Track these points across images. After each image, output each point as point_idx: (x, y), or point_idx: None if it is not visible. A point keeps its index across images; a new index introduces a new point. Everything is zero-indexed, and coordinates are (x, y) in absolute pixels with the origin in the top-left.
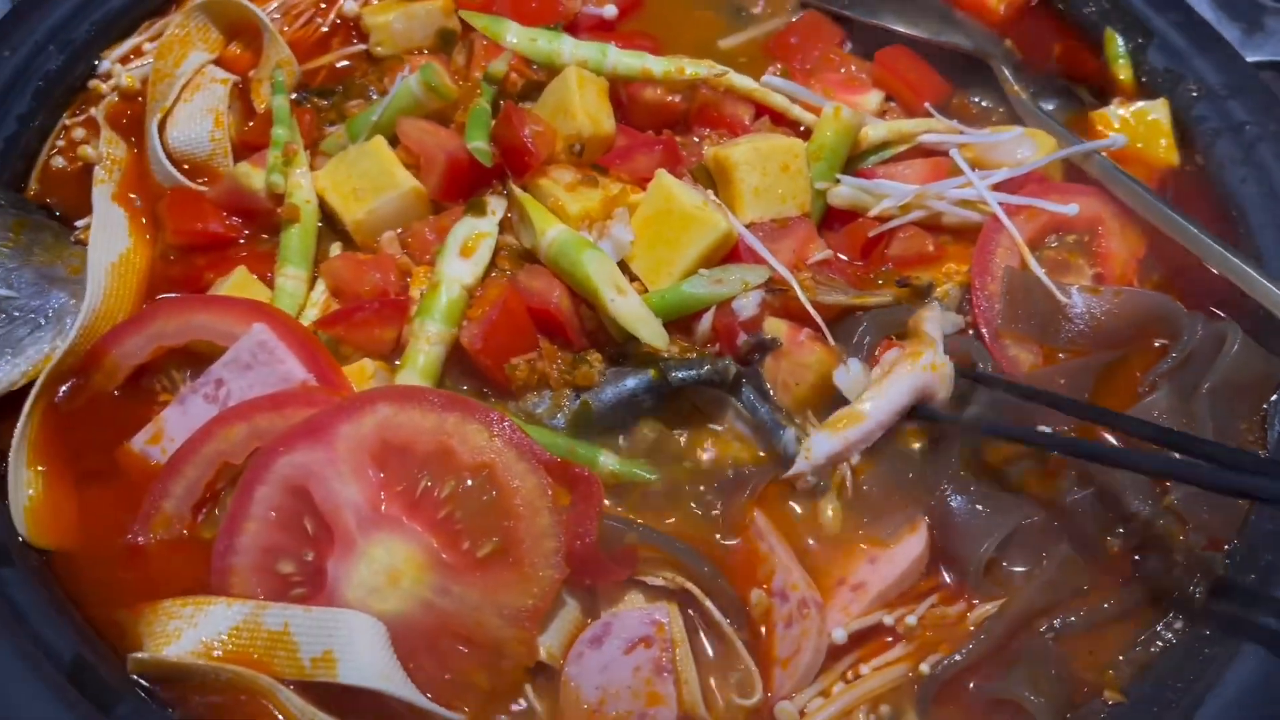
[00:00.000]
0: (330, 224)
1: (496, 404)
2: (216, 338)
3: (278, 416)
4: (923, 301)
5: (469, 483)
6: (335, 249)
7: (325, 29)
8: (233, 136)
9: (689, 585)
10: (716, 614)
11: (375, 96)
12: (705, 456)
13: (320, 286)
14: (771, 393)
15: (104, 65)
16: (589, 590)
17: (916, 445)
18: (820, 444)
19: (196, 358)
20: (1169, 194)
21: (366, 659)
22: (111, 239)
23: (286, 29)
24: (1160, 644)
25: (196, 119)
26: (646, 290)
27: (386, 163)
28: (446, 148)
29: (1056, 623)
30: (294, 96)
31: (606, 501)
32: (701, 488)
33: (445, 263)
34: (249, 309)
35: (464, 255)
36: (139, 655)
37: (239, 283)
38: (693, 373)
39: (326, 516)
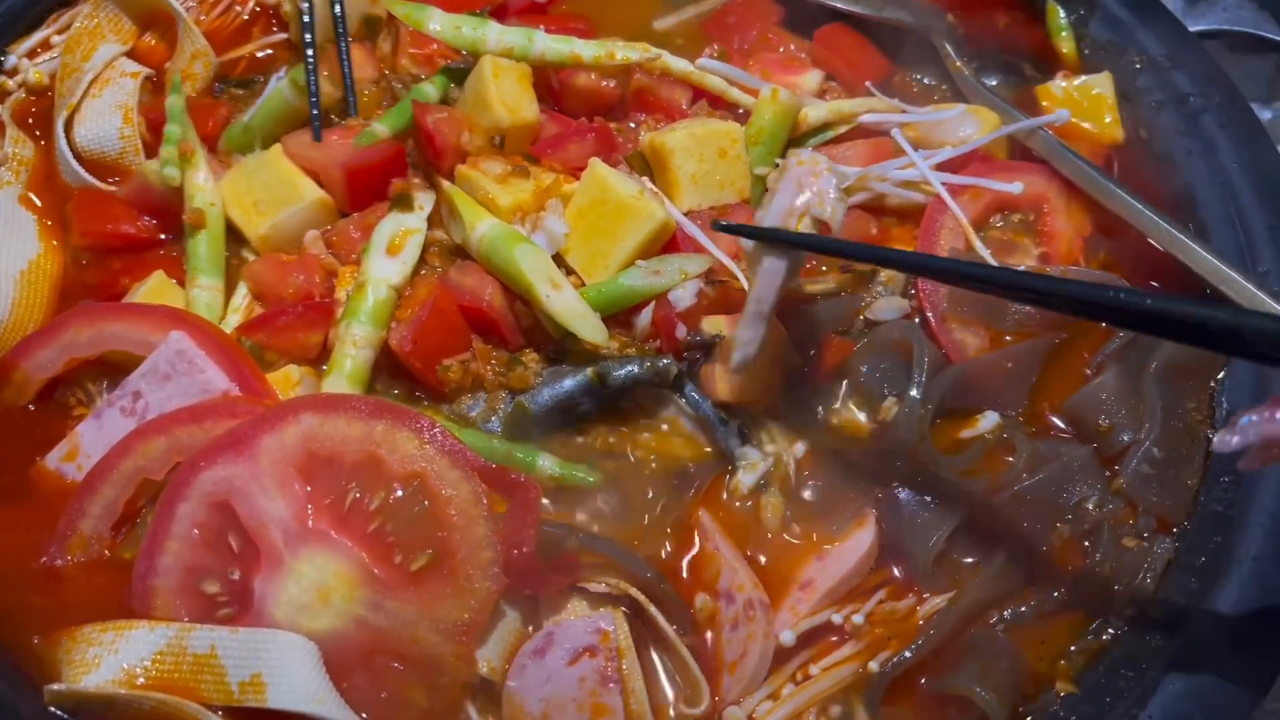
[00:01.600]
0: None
1: (429, 408)
2: (132, 347)
3: (198, 429)
4: (866, 288)
5: (399, 493)
6: (249, 253)
7: (245, 17)
8: (143, 133)
9: (633, 591)
10: (661, 620)
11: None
12: (649, 455)
13: (242, 290)
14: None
15: (10, 60)
16: (530, 600)
17: (863, 436)
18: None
19: (113, 369)
20: (1114, 169)
21: (297, 681)
22: (20, 245)
23: (204, 18)
24: (1112, 631)
25: (105, 116)
26: (584, 284)
27: (287, 174)
28: (338, 159)
29: (1007, 614)
30: (216, 88)
31: (548, 505)
32: (646, 488)
33: (371, 262)
34: (165, 316)
35: (390, 253)
36: (56, 687)
37: (155, 288)
38: (632, 373)
39: (252, 533)
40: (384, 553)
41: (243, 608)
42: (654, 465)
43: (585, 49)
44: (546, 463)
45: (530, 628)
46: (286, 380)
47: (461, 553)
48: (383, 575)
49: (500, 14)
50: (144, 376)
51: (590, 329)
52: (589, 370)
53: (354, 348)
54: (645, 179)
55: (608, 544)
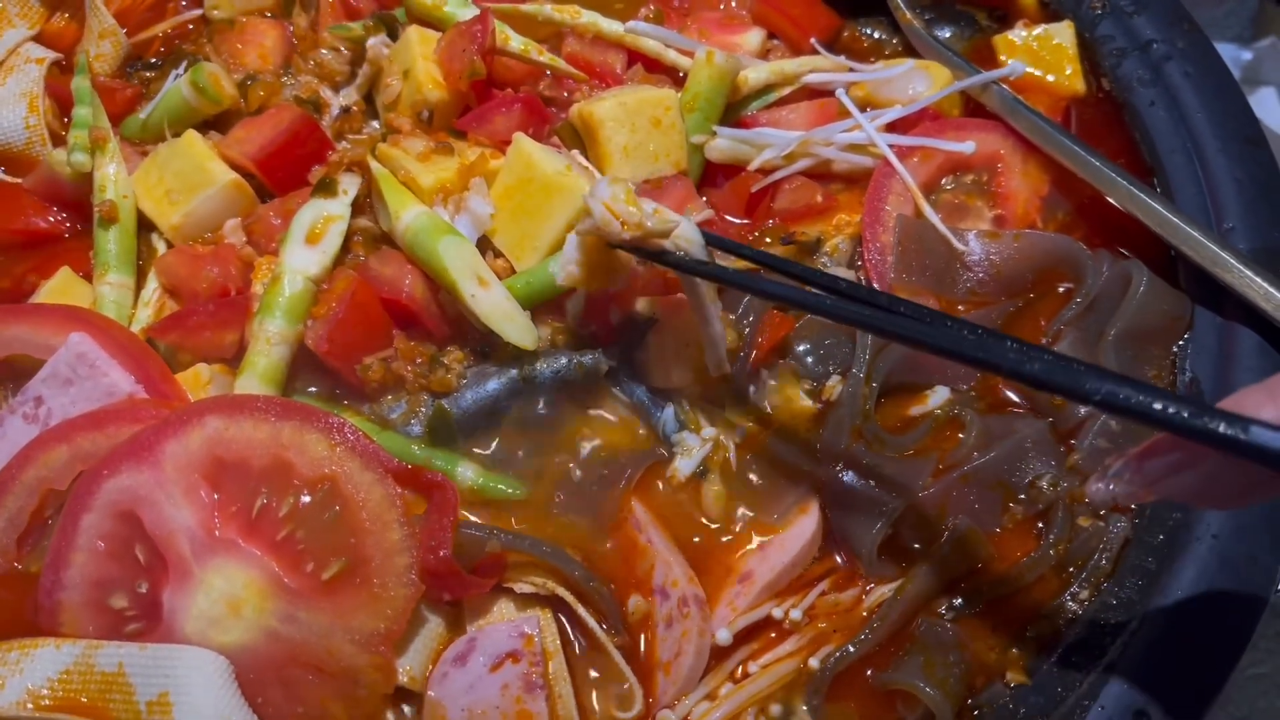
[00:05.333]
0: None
1: (348, 408)
2: (35, 351)
3: (101, 436)
4: (810, 259)
5: (310, 498)
6: (161, 246)
7: None
8: (50, 121)
9: (560, 591)
10: (590, 621)
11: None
12: (581, 446)
13: (153, 282)
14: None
15: None
16: (454, 604)
17: (806, 418)
18: None
19: (18, 372)
20: (1075, 124)
21: (204, 700)
22: None
23: None
24: (1065, 617)
25: (9, 105)
26: (512, 268)
27: (199, 157)
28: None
29: (957, 601)
30: (128, 70)
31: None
32: (575, 480)
33: (288, 252)
34: (66, 317)
35: (310, 243)
36: None
37: (59, 286)
38: (559, 372)
39: (159, 544)
40: (295, 561)
41: (152, 622)
42: (585, 456)
43: (514, 38)
44: (467, 472)
45: (454, 633)
46: (196, 380)
47: (375, 559)
48: (294, 585)
49: None
50: (45, 381)
51: (517, 331)
52: (514, 372)
53: (268, 345)
54: (575, 152)
55: (533, 542)
